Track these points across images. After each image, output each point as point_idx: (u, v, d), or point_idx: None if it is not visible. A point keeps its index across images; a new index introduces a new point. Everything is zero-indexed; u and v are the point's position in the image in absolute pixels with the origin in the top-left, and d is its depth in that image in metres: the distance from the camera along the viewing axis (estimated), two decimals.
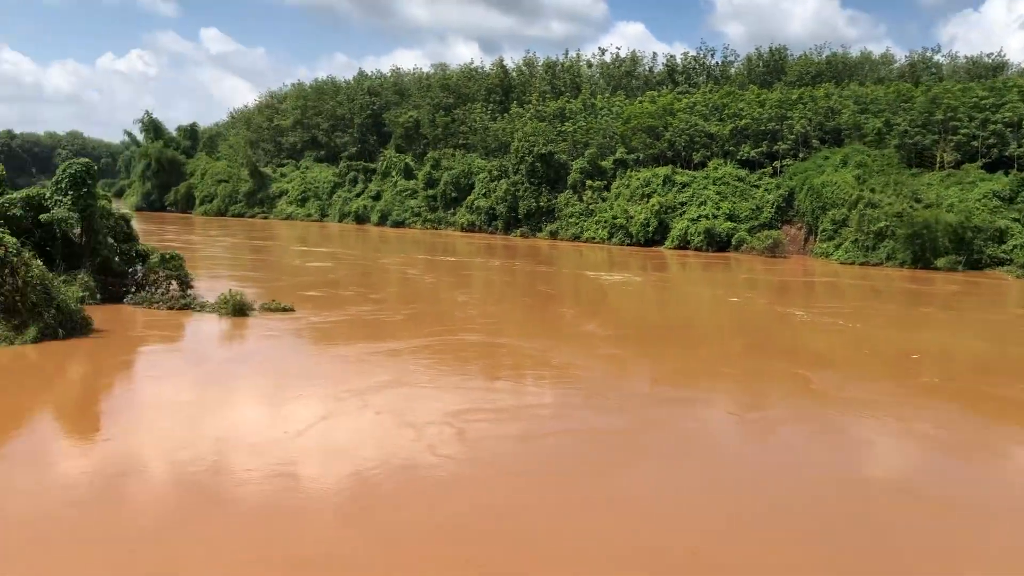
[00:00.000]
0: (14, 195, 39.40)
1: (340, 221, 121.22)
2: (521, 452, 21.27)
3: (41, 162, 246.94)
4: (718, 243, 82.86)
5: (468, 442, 21.52)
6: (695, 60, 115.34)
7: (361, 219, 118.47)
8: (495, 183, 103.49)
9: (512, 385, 28.63)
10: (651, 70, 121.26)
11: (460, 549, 15.30)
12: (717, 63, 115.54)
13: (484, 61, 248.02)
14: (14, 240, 32.27)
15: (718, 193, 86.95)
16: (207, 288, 44.46)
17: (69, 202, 39.15)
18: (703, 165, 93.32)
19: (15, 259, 31.43)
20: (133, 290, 41.31)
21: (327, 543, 15.35)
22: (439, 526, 16.32)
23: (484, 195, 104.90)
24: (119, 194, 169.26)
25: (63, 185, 39.56)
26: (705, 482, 19.46)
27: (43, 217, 38.39)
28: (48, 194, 39.68)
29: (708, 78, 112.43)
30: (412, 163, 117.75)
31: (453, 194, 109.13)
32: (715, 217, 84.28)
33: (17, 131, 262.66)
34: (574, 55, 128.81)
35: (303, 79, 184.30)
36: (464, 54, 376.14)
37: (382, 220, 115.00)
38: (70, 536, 15.47)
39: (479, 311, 44.99)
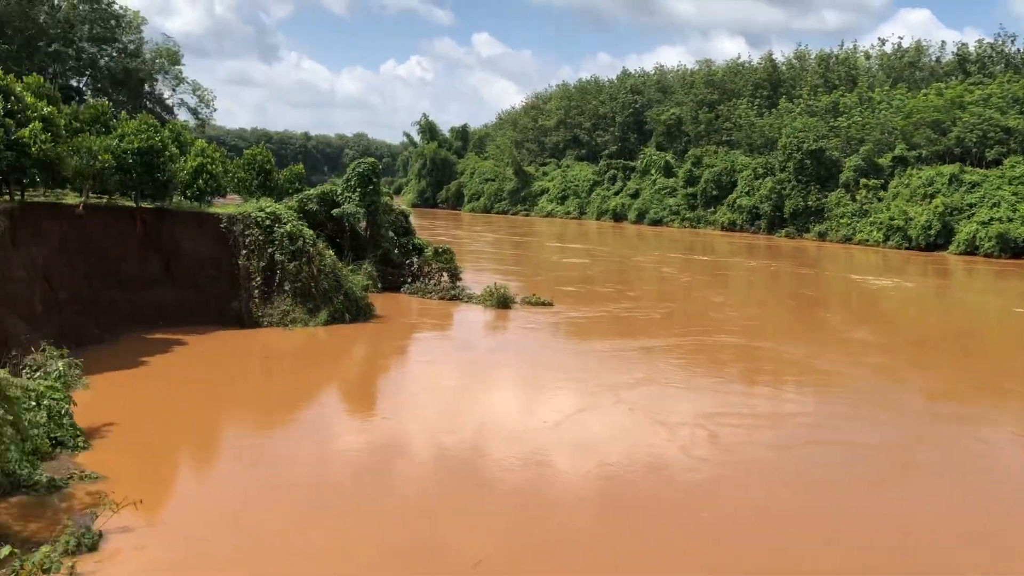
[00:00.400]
0: (311, 191, 43.84)
1: (598, 219, 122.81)
2: (779, 460, 20.49)
3: (332, 161, 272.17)
4: (1013, 249, 74.43)
5: (722, 446, 21.08)
6: (991, 47, 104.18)
7: (619, 217, 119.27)
8: (759, 181, 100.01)
9: (771, 391, 27.65)
10: (938, 60, 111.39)
11: (719, 554, 15.06)
12: (1019, 50, 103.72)
13: (751, 55, 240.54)
14: (311, 232, 35.94)
15: (1015, 194, 78.11)
16: (472, 280, 46.89)
17: (357, 198, 42.90)
18: (997, 163, 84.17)
19: (311, 249, 34.99)
20: (409, 280, 44.51)
21: (581, 533, 15.73)
22: (695, 529, 16.16)
23: (747, 193, 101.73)
24: (397, 191, 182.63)
25: (352, 182, 43.43)
26: (987, 503, 17.69)
27: (335, 211, 42.37)
28: (339, 190, 43.73)
29: (1007, 67, 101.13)
30: (672, 161, 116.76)
31: (714, 192, 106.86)
32: (1010, 220, 75.85)
33: (312, 133, 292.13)
34: (850, 46, 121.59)
35: (567, 79, 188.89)
36: (729, 49, 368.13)
37: (639, 218, 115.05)
38: (347, 502, 17.04)
39: (738, 312, 43.81)
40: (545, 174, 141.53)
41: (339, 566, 14.00)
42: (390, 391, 27.08)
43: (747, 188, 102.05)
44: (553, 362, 30.61)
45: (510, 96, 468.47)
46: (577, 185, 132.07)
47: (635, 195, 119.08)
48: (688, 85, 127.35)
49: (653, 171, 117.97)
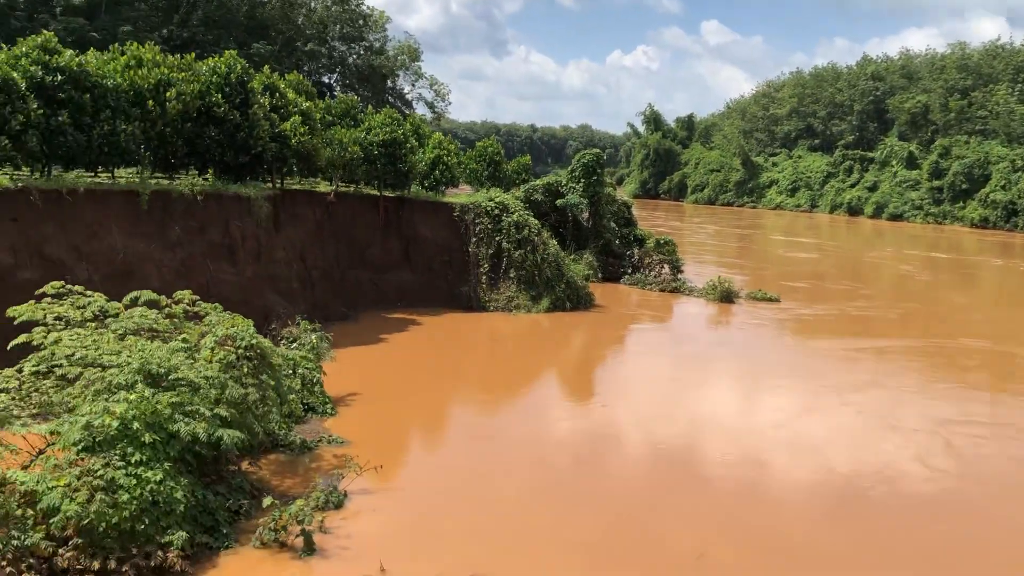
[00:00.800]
0: (536, 182, 45.11)
1: (831, 212, 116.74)
2: None
3: (555, 152, 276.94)
4: None
5: (963, 457, 19.68)
6: None
7: (854, 211, 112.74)
8: (1018, 174, 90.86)
9: (1020, 400, 25.36)
10: None
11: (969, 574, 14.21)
12: None
13: (1012, 37, 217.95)
14: (536, 222, 37.07)
15: None
16: (693, 273, 46.32)
17: (581, 189, 43.63)
18: None
19: (536, 238, 36.11)
20: (629, 271, 44.71)
21: (807, 538, 15.33)
22: (937, 545, 15.29)
23: (1003, 187, 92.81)
24: (619, 182, 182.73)
25: (577, 173, 44.20)
26: None
27: (559, 202, 43.35)
28: (564, 181, 44.67)
29: None
30: (916, 152, 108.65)
31: (964, 186, 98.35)
32: None
33: (538, 125, 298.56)
34: None
35: (801, 66, 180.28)
36: (987, 30, 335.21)
37: (877, 212, 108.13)
38: (567, 486, 17.59)
39: (984, 315, 40.33)
40: (774, 165, 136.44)
41: (562, 548, 14.54)
42: (607, 380, 27.50)
43: (1003, 181, 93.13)
44: (776, 360, 29.75)
45: (738, 84, 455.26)
46: (809, 176, 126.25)
47: (873, 188, 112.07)
48: (937, 70, 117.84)
49: (894, 162, 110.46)
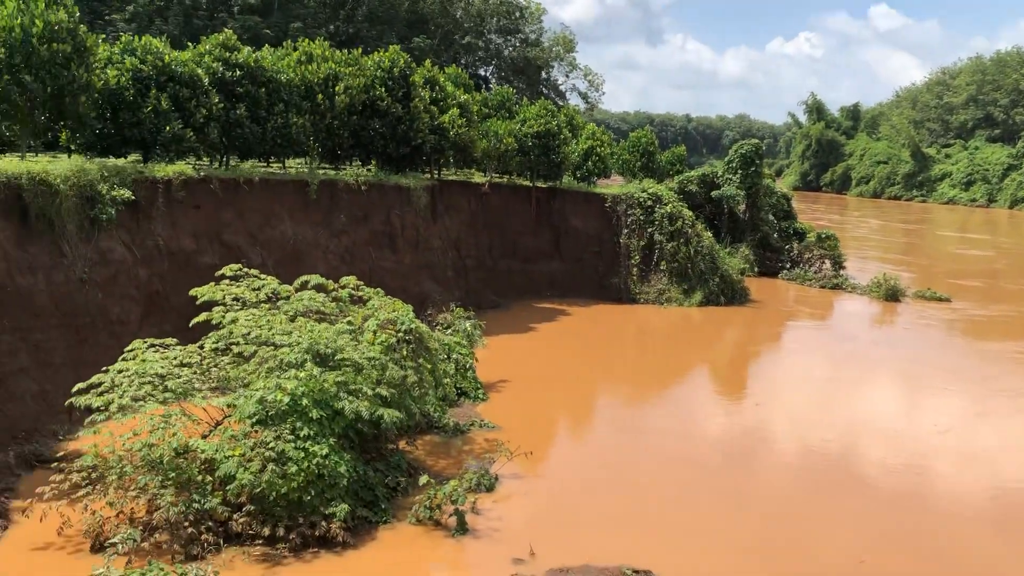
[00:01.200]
0: (691, 173, 44.33)
1: (1011, 207, 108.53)
2: None
3: (711, 143, 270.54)
4: None
5: None
6: None
7: None
8: None
9: None
10: None
11: None
12: None
13: None
14: (690, 213, 36.45)
15: None
16: (856, 269, 44.25)
17: (738, 180, 42.53)
18: None
19: (690, 230, 35.51)
20: (788, 266, 43.23)
21: (975, 551, 14.43)
22: None
23: None
24: (778, 174, 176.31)
25: (734, 164, 43.10)
26: None
27: (714, 193, 42.43)
28: (720, 172, 43.66)
29: None
30: None
31: None
32: None
33: (693, 115, 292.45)
34: None
35: (981, 51, 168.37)
36: None
37: None
38: (720, 484, 17.22)
39: None
40: (948, 156, 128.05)
41: (713, 546, 14.33)
42: (761, 377, 26.74)
43: None
44: (943, 362, 28.06)
45: (909, 72, 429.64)
46: (987, 169, 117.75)
47: None
48: None
49: None
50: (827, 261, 43.06)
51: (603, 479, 17.03)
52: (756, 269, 41.99)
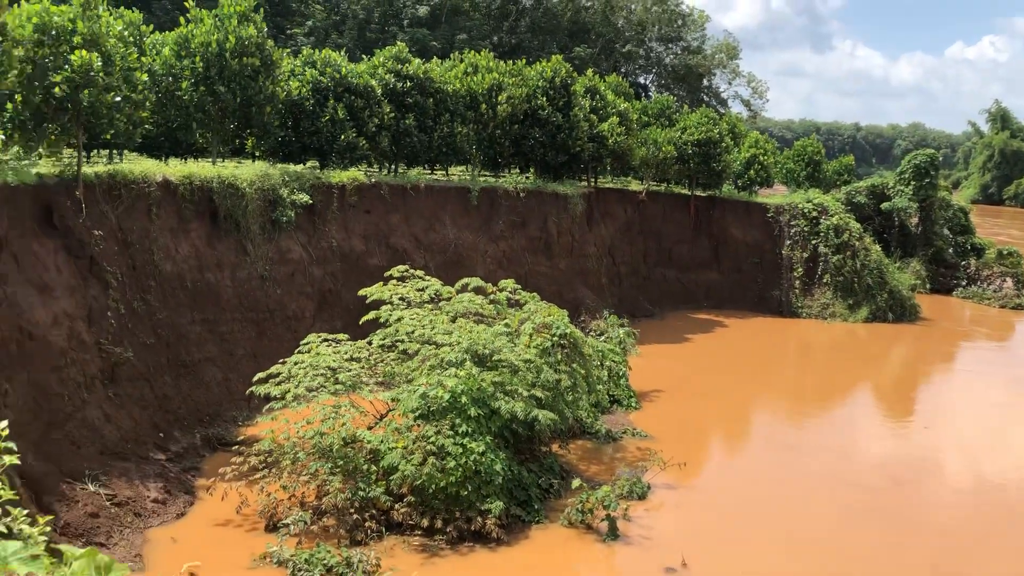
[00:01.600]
0: (859, 184, 42.50)
1: None
2: None
3: (881, 152, 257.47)
4: None
5: None
6: None
7: None
8: None
9: None
10: None
11: None
12: None
13: None
14: (858, 226, 34.97)
15: None
16: None
17: (910, 192, 40.43)
18: None
19: (857, 243, 34.05)
20: (963, 283, 40.68)
21: None
22: None
23: None
24: (955, 186, 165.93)
25: (906, 175, 41.00)
26: None
27: (884, 205, 40.50)
28: (890, 183, 41.63)
29: None
30: None
31: None
32: None
33: (862, 124, 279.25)
34: None
35: None
36: None
37: None
38: (879, 509, 16.41)
39: None
40: None
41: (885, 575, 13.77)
42: (930, 399, 25.33)
43: None
44: None
45: None
46: None
47: None
48: None
49: None
50: (1008, 279, 40.20)
51: (759, 496, 16.66)
52: (928, 286, 39.72)
